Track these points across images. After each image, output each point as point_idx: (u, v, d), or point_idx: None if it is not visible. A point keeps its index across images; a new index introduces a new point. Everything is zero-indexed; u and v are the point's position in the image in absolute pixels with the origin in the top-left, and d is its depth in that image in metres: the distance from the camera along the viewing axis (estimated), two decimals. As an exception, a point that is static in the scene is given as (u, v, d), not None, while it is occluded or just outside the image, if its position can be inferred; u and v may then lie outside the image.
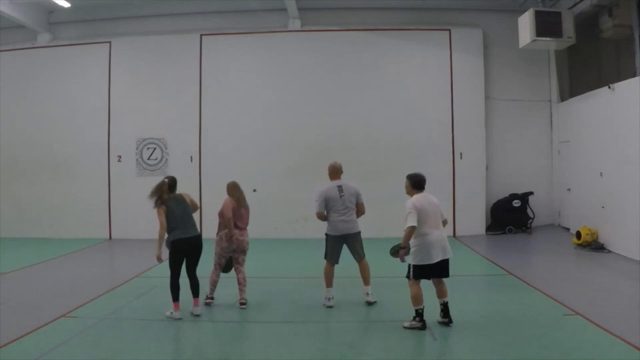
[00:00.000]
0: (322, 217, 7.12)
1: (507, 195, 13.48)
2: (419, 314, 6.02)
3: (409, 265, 6.05)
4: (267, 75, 13.84)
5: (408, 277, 6.08)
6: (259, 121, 13.59)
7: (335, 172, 7.21)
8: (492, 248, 11.99)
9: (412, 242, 5.97)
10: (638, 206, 9.40)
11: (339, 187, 7.07)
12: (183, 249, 6.63)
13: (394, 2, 13.62)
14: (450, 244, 6.15)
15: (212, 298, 7.27)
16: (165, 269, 6.59)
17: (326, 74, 13.64)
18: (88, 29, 14.17)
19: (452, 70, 13.53)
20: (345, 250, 7.25)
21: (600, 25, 11.11)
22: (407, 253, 5.96)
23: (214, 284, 7.28)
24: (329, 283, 7.13)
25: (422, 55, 13.67)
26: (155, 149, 13.84)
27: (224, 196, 7.32)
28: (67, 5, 12.86)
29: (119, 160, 13.85)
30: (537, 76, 14.03)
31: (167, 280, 6.62)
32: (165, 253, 6.58)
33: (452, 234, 13.10)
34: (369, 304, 7.07)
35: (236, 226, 7.13)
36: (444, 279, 6.17)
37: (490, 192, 13.64)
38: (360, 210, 7.18)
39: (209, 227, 13.29)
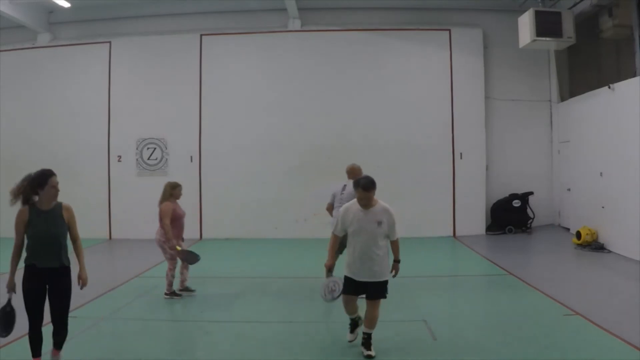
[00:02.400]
0: (329, 208, 7.77)
1: (507, 195, 13.47)
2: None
3: (387, 282, 5.31)
4: (267, 75, 13.83)
5: (385, 295, 5.32)
6: (259, 121, 13.57)
7: (349, 172, 7.71)
8: (492, 248, 11.97)
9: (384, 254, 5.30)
10: (638, 206, 9.40)
11: (344, 185, 7.58)
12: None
13: (394, 2, 13.62)
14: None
15: None
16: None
17: (326, 73, 13.63)
18: (88, 29, 14.16)
19: (452, 70, 13.53)
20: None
21: (600, 25, 11.10)
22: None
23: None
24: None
25: (422, 55, 13.67)
26: (155, 149, 13.83)
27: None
28: (67, 5, 12.85)
29: (119, 160, 13.84)
30: (537, 76, 14.03)
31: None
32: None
33: (452, 234, 13.09)
34: None
35: None
36: None
37: (490, 192, 13.63)
38: None
39: (208, 227, 13.48)
